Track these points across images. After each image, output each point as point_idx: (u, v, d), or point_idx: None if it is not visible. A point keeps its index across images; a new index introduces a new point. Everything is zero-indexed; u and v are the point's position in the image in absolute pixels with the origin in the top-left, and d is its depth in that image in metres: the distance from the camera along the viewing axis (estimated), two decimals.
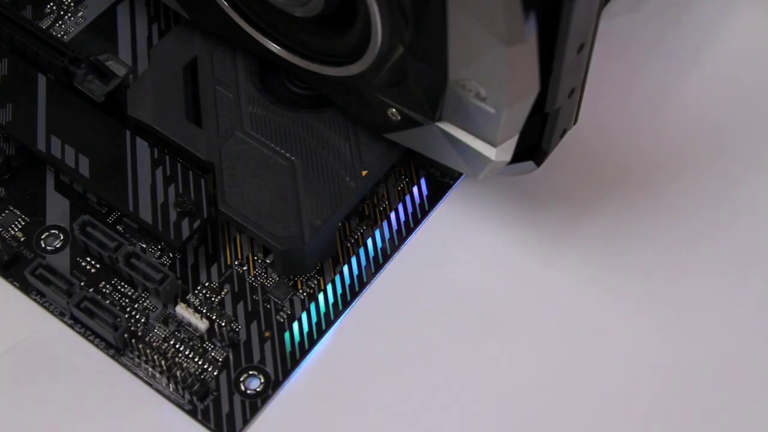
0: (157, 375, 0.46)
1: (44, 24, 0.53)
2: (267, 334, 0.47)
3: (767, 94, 0.54)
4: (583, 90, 0.45)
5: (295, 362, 0.46)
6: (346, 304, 0.48)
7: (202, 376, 0.46)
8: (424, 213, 0.50)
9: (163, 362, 0.46)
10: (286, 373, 0.46)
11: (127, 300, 0.47)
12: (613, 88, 0.53)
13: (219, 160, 0.48)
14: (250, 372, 0.46)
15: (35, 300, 0.47)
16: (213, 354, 0.46)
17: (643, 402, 0.46)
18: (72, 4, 0.54)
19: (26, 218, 0.49)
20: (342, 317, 0.48)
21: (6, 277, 0.48)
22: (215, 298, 0.48)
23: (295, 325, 0.47)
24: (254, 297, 0.48)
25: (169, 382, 0.46)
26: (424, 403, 0.46)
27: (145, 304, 0.47)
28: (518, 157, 0.45)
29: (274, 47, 0.48)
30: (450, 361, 0.47)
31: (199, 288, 0.48)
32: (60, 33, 0.53)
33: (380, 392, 0.46)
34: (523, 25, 0.39)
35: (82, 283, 0.47)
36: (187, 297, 0.47)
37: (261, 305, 0.47)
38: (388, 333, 0.47)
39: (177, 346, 0.46)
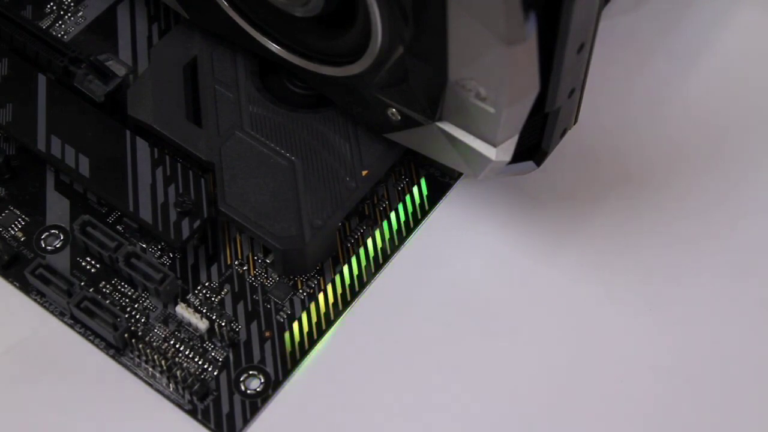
0: (157, 375, 0.46)
1: (44, 24, 0.53)
2: (267, 334, 0.47)
3: (767, 94, 0.54)
4: (583, 90, 0.45)
5: (295, 362, 0.46)
6: (346, 304, 0.48)
7: (202, 376, 0.46)
8: (424, 213, 0.50)
9: (163, 362, 0.46)
10: (286, 373, 0.46)
11: (127, 300, 0.47)
12: (613, 88, 0.53)
13: (219, 160, 0.48)
14: (250, 372, 0.46)
15: (35, 300, 0.47)
16: (213, 354, 0.46)
17: (643, 402, 0.46)
18: (72, 4, 0.54)
19: (26, 218, 0.49)
20: (342, 317, 0.48)
21: (6, 277, 0.48)
22: (215, 298, 0.48)
23: (295, 325, 0.47)
24: (254, 297, 0.48)
25: (169, 382, 0.46)
26: (423, 403, 0.46)
27: (145, 304, 0.47)
28: (518, 157, 0.45)
29: (274, 47, 0.48)
30: (450, 361, 0.47)
31: (199, 288, 0.48)
32: (60, 33, 0.53)
33: (380, 392, 0.46)
34: (523, 25, 0.39)
35: (82, 283, 0.47)
36: (187, 297, 0.48)
37: (261, 305, 0.47)
38: (388, 333, 0.47)
39: (177, 346, 0.46)
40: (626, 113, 0.53)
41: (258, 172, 0.48)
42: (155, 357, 0.46)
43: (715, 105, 0.53)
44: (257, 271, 0.48)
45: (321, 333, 0.47)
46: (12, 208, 0.49)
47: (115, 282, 0.48)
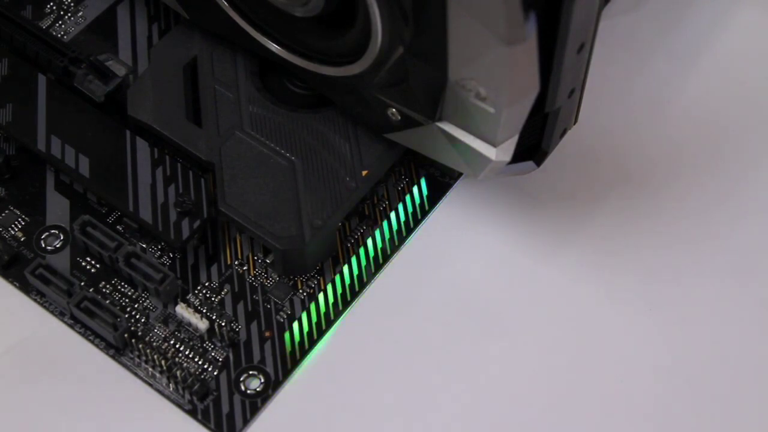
0: (157, 375, 0.46)
1: (44, 24, 0.53)
2: (267, 334, 0.47)
3: (767, 94, 0.54)
4: (583, 90, 0.45)
5: (295, 362, 0.46)
6: (346, 304, 0.48)
7: (202, 376, 0.46)
8: (424, 213, 0.50)
9: (163, 362, 0.46)
10: (286, 373, 0.46)
11: (127, 300, 0.47)
12: (613, 88, 0.53)
13: (219, 160, 0.48)
14: (250, 372, 0.46)
15: (35, 300, 0.47)
16: (213, 354, 0.46)
17: (643, 402, 0.46)
18: (72, 4, 0.54)
19: (26, 218, 0.49)
20: (342, 317, 0.48)
21: (6, 277, 0.48)
22: (215, 298, 0.48)
23: (295, 325, 0.47)
24: (254, 297, 0.48)
25: (169, 382, 0.46)
26: (423, 403, 0.46)
27: (145, 304, 0.47)
28: (518, 157, 0.45)
29: (274, 47, 0.48)
30: (450, 361, 0.47)
31: (199, 288, 0.48)
32: (60, 33, 0.53)
33: (380, 392, 0.46)
34: (523, 25, 0.39)
35: (82, 283, 0.47)
36: (187, 297, 0.47)
37: (261, 305, 0.47)
38: (388, 333, 0.47)
39: (177, 346, 0.46)
40: (626, 113, 0.53)
41: (258, 172, 0.48)
42: (155, 357, 0.46)
43: (715, 105, 0.53)
44: (257, 271, 0.48)
45: (321, 333, 0.47)
46: (12, 208, 0.49)
47: (115, 282, 0.48)
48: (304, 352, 0.47)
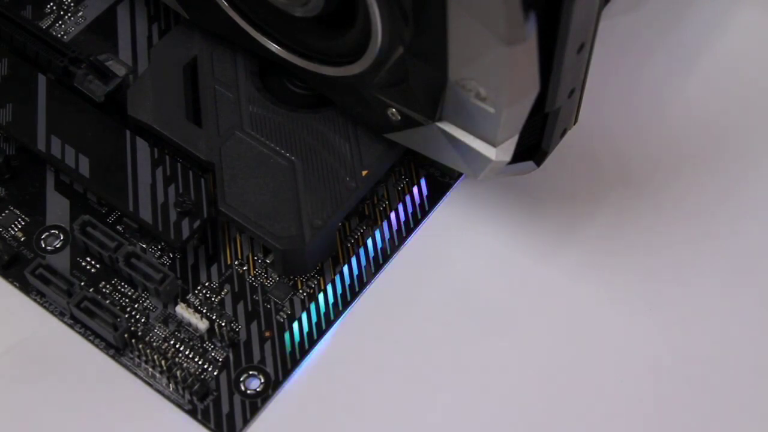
0: (157, 375, 0.46)
1: (44, 24, 0.53)
2: (267, 334, 0.47)
3: (767, 94, 0.54)
4: (583, 90, 0.45)
5: (295, 362, 0.46)
6: (346, 304, 0.48)
7: (202, 376, 0.46)
8: (424, 213, 0.50)
9: (163, 362, 0.46)
10: (286, 373, 0.46)
11: (127, 300, 0.47)
12: (613, 87, 0.53)
13: (219, 160, 0.48)
14: (250, 372, 0.46)
15: (35, 300, 0.47)
16: (213, 354, 0.46)
17: (643, 402, 0.46)
18: (72, 4, 0.54)
19: (26, 218, 0.49)
20: (342, 317, 0.48)
21: (6, 277, 0.48)
22: (215, 298, 0.48)
23: (295, 325, 0.47)
24: (254, 297, 0.48)
25: (169, 382, 0.46)
26: (424, 403, 0.46)
27: (145, 304, 0.47)
28: (518, 157, 0.45)
29: (274, 47, 0.48)
30: (450, 361, 0.47)
31: (199, 288, 0.48)
32: (60, 33, 0.53)
33: (380, 392, 0.46)
34: (523, 25, 0.39)
35: (82, 283, 0.47)
36: (187, 297, 0.47)
37: (261, 305, 0.47)
38: (388, 333, 0.47)
39: (177, 346, 0.46)
40: (626, 113, 0.53)
41: (258, 172, 0.48)
42: (155, 357, 0.46)
43: (715, 105, 0.53)
44: (257, 271, 0.48)
45: (321, 333, 0.47)
46: (12, 208, 0.49)
47: (115, 282, 0.48)
48: (304, 352, 0.47)
